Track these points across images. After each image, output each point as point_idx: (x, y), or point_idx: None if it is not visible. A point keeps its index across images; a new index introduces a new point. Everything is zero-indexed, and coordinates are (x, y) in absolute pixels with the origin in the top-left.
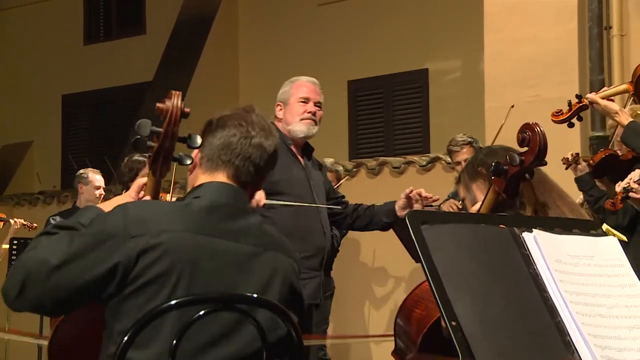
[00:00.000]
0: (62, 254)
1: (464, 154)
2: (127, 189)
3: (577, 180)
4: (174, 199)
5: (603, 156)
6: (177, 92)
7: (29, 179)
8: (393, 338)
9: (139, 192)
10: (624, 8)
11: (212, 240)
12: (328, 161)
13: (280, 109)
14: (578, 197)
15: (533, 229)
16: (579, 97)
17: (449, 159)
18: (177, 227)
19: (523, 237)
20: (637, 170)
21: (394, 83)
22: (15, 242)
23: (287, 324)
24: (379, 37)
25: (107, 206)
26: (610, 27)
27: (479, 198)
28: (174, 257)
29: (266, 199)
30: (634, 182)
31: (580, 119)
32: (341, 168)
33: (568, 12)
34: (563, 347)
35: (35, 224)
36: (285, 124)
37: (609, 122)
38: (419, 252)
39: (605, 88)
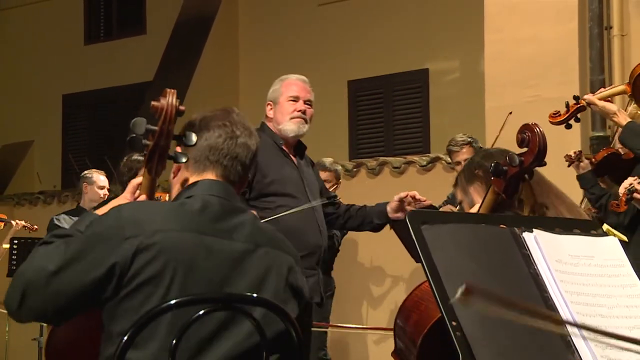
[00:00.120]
0: (59, 259)
1: (464, 154)
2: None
3: (579, 178)
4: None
5: (605, 155)
6: (172, 90)
7: (29, 178)
8: (392, 333)
9: (134, 193)
10: (624, 8)
11: (206, 239)
12: (327, 161)
13: (271, 108)
14: (579, 197)
15: (533, 229)
16: (576, 98)
17: (449, 159)
18: (172, 227)
19: (523, 237)
20: None
21: (394, 83)
22: (16, 241)
23: (286, 323)
24: (379, 37)
25: (104, 211)
26: (611, 27)
27: (476, 201)
28: (169, 257)
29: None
30: (638, 183)
31: (577, 120)
32: (340, 167)
33: (568, 12)
34: (563, 347)
35: (36, 226)
36: (276, 123)
37: (610, 121)
38: (419, 252)
39: (602, 89)
